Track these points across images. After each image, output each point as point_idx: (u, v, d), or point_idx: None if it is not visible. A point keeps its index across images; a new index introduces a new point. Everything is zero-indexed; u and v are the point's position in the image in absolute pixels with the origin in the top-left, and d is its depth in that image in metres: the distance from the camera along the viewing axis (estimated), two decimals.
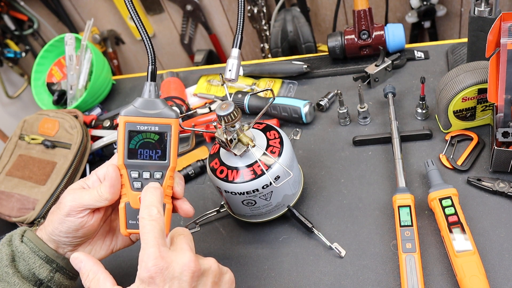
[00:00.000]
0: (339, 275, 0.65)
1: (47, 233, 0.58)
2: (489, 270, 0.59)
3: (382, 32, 0.94)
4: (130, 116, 0.56)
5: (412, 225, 0.64)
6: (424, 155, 0.76)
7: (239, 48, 0.63)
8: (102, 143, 0.99)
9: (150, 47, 0.56)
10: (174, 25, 1.75)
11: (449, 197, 0.65)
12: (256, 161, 0.65)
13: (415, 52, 0.95)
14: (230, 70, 0.63)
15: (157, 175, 0.57)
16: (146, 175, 0.57)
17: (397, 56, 0.93)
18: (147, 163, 0.57)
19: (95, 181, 0.59)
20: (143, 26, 0.57)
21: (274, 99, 0.66)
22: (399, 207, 0.66)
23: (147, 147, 0.56)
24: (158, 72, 1.18)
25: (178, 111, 0.57)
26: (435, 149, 0.77)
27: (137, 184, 0.57)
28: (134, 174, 0.57)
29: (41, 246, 0.58)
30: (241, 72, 1.03)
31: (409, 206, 0.66)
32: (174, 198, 0.59)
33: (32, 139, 0.98)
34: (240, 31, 0.63)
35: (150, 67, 0.56)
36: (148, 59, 0.56)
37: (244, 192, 0.66)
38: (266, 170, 0.64)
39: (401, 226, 0.64)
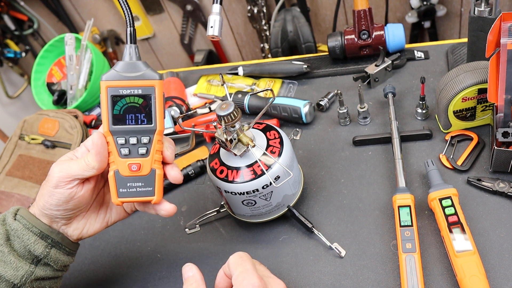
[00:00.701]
0: (339, 275, 0.65)
1: (39, 208, 0.58)
2: (489, 270, 0.59)
3: (382, 32, 0.94)
4: (112, 80, 0.54)
5: (412, 225, 0.64)
6: (424, 155, 0.76)
7: (221, 3, 0.62)
8: None
9: (127, 8, 0.55)
10: (174, 25, 1.75)
11: (449, 197, 0.65)
12: (256, 161, 0.65)
13: (415, 52, 0.95)
14: (212, 27, 0.61)
15: (145, 139, 0.56)
16: (133, 140, 0.56)
17: (397, 56, 0.93)
18: (133, 128, 0.55)
19: (83, 152, 0.58)
20: None
21: (274, 99, 0.66)
22: (399, 207, 0.66)
23: (132, 111, 0.55)
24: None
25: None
26: (435, 149, 0.77)
27: (125, 151, 0.56)
28: (121, 140, 0.56)
29: (34, 222, 0.57)
30: (241, 72, 1.04)
31: (409, 206, 0.66)
32: (164, 163, 0.58)
33: (32, 139, 0.98)
34: None
35: (128, 29, 0.55)
36: (126, 21, 0.55)
37: (244, 192, 0.66)
38: (266, 170, 0.64)
39: (401, 226, 0.64)
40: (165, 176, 0.59)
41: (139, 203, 0.61)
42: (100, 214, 0.63)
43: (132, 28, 0.55)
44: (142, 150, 0.56)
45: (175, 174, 0.58)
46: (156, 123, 0.56)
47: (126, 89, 0.54)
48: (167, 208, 0.59)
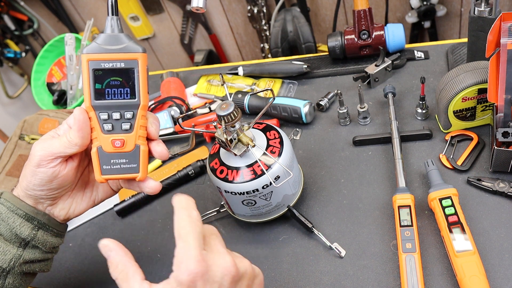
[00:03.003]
0: (339, 275, 0.65)
1: (23, 189, 0.56)
2: (489, 270, 0.59)
3: (382, 32, 0.94)
4: (93, 53, 0.52)
5: (412, 225, 0.64)
6: (424, 155, 0.76)
7: None
8: None
9: None
10: (174, 25, 1.75)
11: (449, 197, 0.65)
12: (256, 161, 0.65)
13: (415, 52, 0.95)
14: None
15: (128, 115, 0.54)
16: (116, 115, 0.54)
17: (397, 56, 0.93)
18: (116, 103, 0.54)
19: (66, 129, 0.56)
20: None
21: (274, 99, 0.66)
22: (399, 207, 0.66)
23: (115, 85, 0.53)
24: (158, 72, 1.18)
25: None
26: (435, 149, 0.77)
27: (108, 126, 0.54)
28: (104, 116, 0.54)
29: (18, 204, 0.56)
30: (241, 72, 1.04)
31: (409, 206, 0.66)
32: (148, 139, 0.57)
33: (32, 139, 0.98)
34: None
35: (110, 0, 0.53)
36: None
37: (244, 192, 0.66)
38: (266, 170, 0.64)
39: (401, 226, 0.64)
40: (150, 153, 0.57)
41: (124, 180, 0.59)
42: (86, 193, 0.61)
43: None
44: (126, 126, 0.55)
45: (161, 150, 0.56)
46: (140, 97, 0.54)
47: (108, 62, 0.53)
48: (152, 185, 0.57)
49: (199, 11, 0.61)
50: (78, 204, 0.61)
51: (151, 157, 0.64)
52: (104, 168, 0.55)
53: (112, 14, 0.53)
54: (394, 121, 0.79)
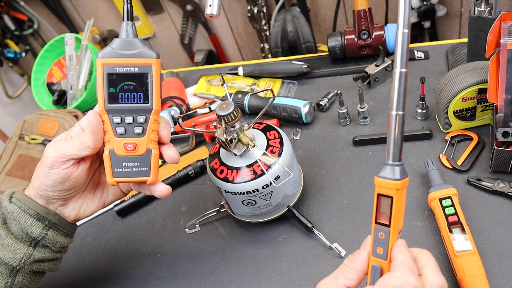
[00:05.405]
0: None
1: (35, 189, 0.57)
2: (489, 270, 0.59)
3: (382, 32, 0.94)
4: (108, 58, 0.53)
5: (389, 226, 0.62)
6: (424, 155, 0.76)
7: None
8: None
9: None
10: (174, 25, 1.75)
11: (449, 197, 0.65)
12: (256, 161, 0.65)
13: (415, 52, 0.95)
14: (210, 6, 0.60)
15: (141, 119, 0.55)
16: (129, 119, 0.55)
17: None
18: (129, 107, 0.55)
19: (78, 131, 0.57)
20: None
21: (274, 99, 0.66)
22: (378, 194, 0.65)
23: (128, 90, 0.54)
24: None
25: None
26: (435, 149, 0.77)
27: (120, 130, 0.55)
28: (117, 119, 0.55)
29: (30, 204, 0.57)
30: (241, 72, 1.04)
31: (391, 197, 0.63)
32: (160, 143, 0.58)
33: (32, 139, 0.98)
34: None
35: (125, 5, 0.54)
36: None
37: (244, 192, 0.66)
38: (266, 170, 0.64)
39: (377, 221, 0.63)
40: (161, 157, 0.58)
41: (134, 183, 0.60)
42: (96, 194, 0.62)
43: (129, 5, 0.54)
44: (138, 130, 0.55)
45: (172, 154, 0.57)
46: (153, 102, 0.55)
47: (122, 67, 0.53)
48: (162, 189, 0.58)
49: (213, 18, 0.61)
50: (89, 205, 0.61)
51: None
52: (116, 171, 0.56)
53: (128, 20, 0.54)
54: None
